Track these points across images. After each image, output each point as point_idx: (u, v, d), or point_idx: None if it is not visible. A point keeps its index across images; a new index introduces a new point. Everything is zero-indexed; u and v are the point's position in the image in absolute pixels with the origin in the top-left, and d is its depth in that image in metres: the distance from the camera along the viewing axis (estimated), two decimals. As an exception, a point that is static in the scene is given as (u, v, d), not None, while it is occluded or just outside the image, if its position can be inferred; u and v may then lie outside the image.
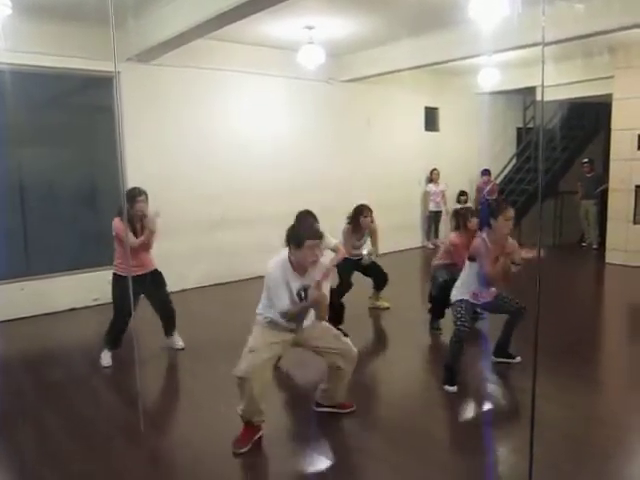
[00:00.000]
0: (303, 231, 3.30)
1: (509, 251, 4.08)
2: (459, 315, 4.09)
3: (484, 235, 4.10)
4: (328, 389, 3.62)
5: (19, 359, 5.12)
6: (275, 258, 3.35)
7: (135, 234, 4.64)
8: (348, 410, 3.67)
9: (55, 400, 4.10)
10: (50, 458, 3.26)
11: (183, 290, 7.17)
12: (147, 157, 6.96)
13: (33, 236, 6.48)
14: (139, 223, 4.66)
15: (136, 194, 4.61)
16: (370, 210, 5.80)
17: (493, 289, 4.20)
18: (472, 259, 4.11)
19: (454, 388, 4.01)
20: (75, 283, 6.53)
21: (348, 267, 5.68)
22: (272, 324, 3.36)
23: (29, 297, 6.25)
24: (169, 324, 5.08)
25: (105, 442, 3.45)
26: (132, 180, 6.81)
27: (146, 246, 4.68)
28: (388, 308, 6.20)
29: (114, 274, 4.73)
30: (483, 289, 4.14)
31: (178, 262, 7.08)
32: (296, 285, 3.30)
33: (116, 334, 4.68)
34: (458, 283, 4.25)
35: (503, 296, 4.30)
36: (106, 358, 4.73)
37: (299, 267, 3.29)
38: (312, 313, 3.38)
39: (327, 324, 3.54)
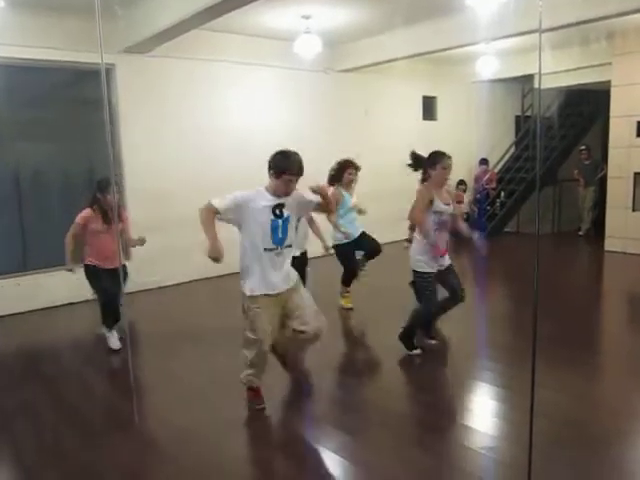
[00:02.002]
0: (286, 163, 3.35)
1: (459, 200, 4.29)
2: (428, 286, 4.27)
3: (426, 184, 4.31)
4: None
5: (15, 354, 5.13)
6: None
7: (107, 224, 4.65)
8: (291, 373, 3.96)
9: (52, 394, 4.10)
10: (47, 451, 3.27)
11: (179, 284, 7.17)
12: (144, 149, 6.92)
13: (29, 231, 6.46)
14: (111, 212, 4.61)
15: (105, 185, 4.63)
16: (355, 167, 5.65)
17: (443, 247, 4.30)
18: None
19: (419, 350, 4.41)
20: (72, 278, 6.50)
21: (346, 249, 5.62)
22: (264, 299, 3.40)
23: (25, 292, 6.24)
24: (115, 313, 4.85)
25: (101, 434, 3.46)
26: (129, 172, 6.83)
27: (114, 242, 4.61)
28: (351, 309, 5.87)
29: (85, 265, 4.81)
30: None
31: (175, 255, 7.07)
32: (271, 202, 3.37)
33: (111, 312, 4.75)
34: (416, 250, 4.30)
35: (454, 269, 4.43)
36: (114, 340, 4.80)
37: (274, 192, 3.40)
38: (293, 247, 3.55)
39: (310, 297, 3.61)
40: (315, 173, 9.09)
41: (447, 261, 4.38)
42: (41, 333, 5.72)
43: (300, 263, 4.45)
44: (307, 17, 6.81)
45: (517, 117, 12.02)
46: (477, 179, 10.96)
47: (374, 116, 9.48)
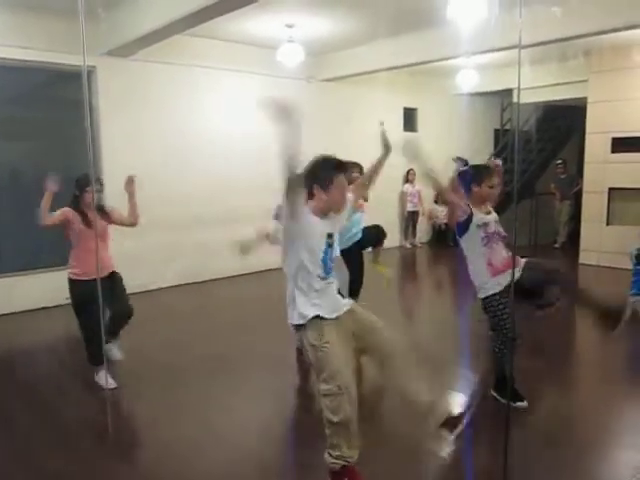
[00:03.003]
0: (333, 164, 2.78)
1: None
2: (500, 314, 3.51)
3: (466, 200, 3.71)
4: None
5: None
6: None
7: (87, 225, 4.10)
8: None
9: (25, 399, 4.03)
10: (20, 457, 3.21)
11: (160, 288, 7.11)
12: (123, 152, 6.85)
13: (3, 233, 6.34)
14: (91, 213, 4.06)
15: (84, 183, 4.06)
16: (359, 166, 4.94)
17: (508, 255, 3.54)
18: (463, 229, 3.63)
19: (524, 403, 3.56)
20: (46, 281, 6.40)
21: (354, 251, 4.90)
22: (320, 320, 2.70)
23: (0, 295, 6.12)
24: (118, 327, 4.28)
25: (74, 441, 3.40)
26: (108, 176, 6.74)
27: (105, 245, 4.21)
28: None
29: (69, 280, 4.20)
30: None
31: (153, 260, 7.02)
32: (322, 229, 2.76)
33: (97, 346, 3.85)
34: (472, 274, 3.63)
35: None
36: (104, 378, 3.96)
37: (319, 211, 2.77)
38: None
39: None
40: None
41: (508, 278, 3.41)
42: (15, 337, 5.61)
43: None
44: (290, 26, 6.84)
45: (496, 130, 12.20)
46: (456, 190, 11.05)
47: (355, 126, 9.53)
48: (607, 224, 8.53)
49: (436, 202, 11.13)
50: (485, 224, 3.62)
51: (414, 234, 10.73)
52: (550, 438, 3.32)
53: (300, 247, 2.70)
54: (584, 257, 8.73)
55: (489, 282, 3.57)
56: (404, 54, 7.63)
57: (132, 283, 6.82)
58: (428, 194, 10.88)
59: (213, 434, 3.45)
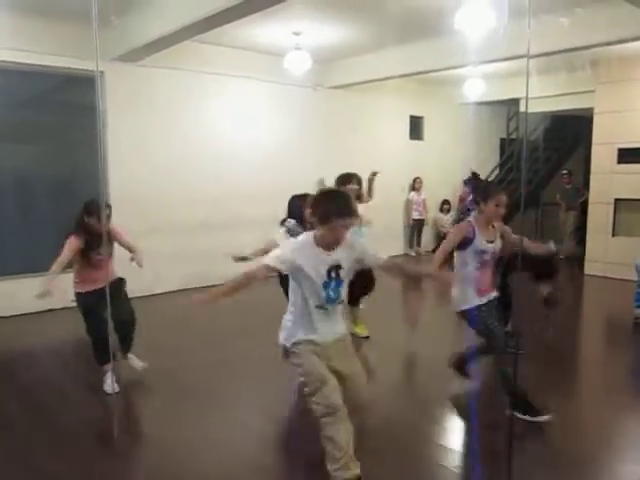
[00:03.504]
0: (333, 206, 2.67)
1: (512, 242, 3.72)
2: (487, 323, 3.54)
3: (472, 219, 3.68)
4: None
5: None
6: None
7: (90, 249, 4.13)
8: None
9: (27, 401, 4.04)
10: (20, 458, 3.22)
11: (165, 292, 7.12)
12: (129, 158, 6.90)
13: (9, 235, 6.36)
14: (96, 238, 4.03)
15: (94, 209, 4.02)
16: (357, 178, 5.08)
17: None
18: (462, 246, 3.63)
19: (546, 417, 3.49)
20: (54, 283, 6.41)
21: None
22: (308, 344, 2.74)
23: (1, 298, 6.13)
24: (127, 339, 4.39)
25: (77, 444, 3.40)
26: (114, 181, 6.78)
27: (110, 259, 4.23)
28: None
29: (75, 292, 4.28)
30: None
31: (159, 264, 7.02)
32: (324, 260, 2.69)
33: (103, 347, 3.94)
34: (458, 288, 3.68)
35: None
36: (110, 380, 4.05)
37: (324, 243, 2.71)
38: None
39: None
40: (301, 187, 9.13)
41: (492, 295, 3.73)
42: (19, 339, 5.62)
43: None
44: (298, 33, 6.87)
45: (502, 140, 12.20)
46: (462, 199, 11.05)
47: (361, 133, 9.56)
48: (613, 235, 8.50)
49: (441, 211, 11.15)
50: (483, 252, 3.63)
51: (419, 242, 10.71)
52: (552, 449, 3.30)
53: (298, 276, 2.70)
54: (589, 268, 8.70)
55: (471, 298, 3.63)
56: (411, 62, 7.65)
57: (137, 287, 6.88)
58: (434, 202, 10.91)
59: (213, 438, 3.44)
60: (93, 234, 4.08)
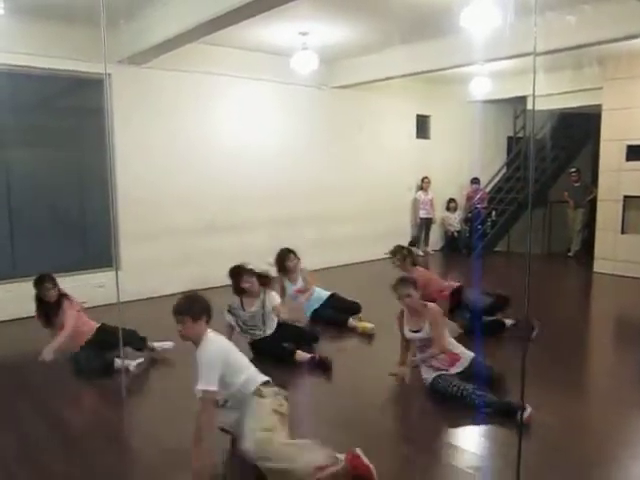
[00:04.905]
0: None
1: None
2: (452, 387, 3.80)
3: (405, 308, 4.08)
4: None
5: (3, 361, 5.09)
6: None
7: (49, 320, 4.60)
8: None
9: (38, 402, 4.07)
10: (30, 459, 3.24)
11: (171, 294, 7.12)
12: (136, 160, 6.93)
13: (20, 237, 6.41)
14: (53, 310, 4.54)
15: (40, 281, 4.55)
16: (292, 252, 5.81)
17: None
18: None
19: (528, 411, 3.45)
20: (62, 286, 6.46)
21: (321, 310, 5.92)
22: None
23: (16, 299, 6.17)
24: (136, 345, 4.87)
25: (86, 445, 3.42)
26: (120, 183, 6.81)
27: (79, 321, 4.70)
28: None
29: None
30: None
31: (165, 265, 7.07)
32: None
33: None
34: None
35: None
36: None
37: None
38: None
39: None
40: (308, 187, 9.17)
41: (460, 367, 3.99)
42: (31, 340, 5.63)
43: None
44: (304, 34, 6.87)
45: (509, 138, 12.15)
46: (469, 198, 11.05)
47: (368, 133, 9.55)
48: (622, 232, 8.44)
49: (448, 209, 11.12)
50: (411, 339, 4.10)
51: (426, 242, 10.69)
52: (563, 447, 3.29)
53: None
54: (598, 266, 8.65)
55: (425, 374, 4.03)
56: (418, 61, 7.63)
57: (144, 288, 6.93)
58: (441, 201, 10.89)
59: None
60: (45, 309, 4.60)
